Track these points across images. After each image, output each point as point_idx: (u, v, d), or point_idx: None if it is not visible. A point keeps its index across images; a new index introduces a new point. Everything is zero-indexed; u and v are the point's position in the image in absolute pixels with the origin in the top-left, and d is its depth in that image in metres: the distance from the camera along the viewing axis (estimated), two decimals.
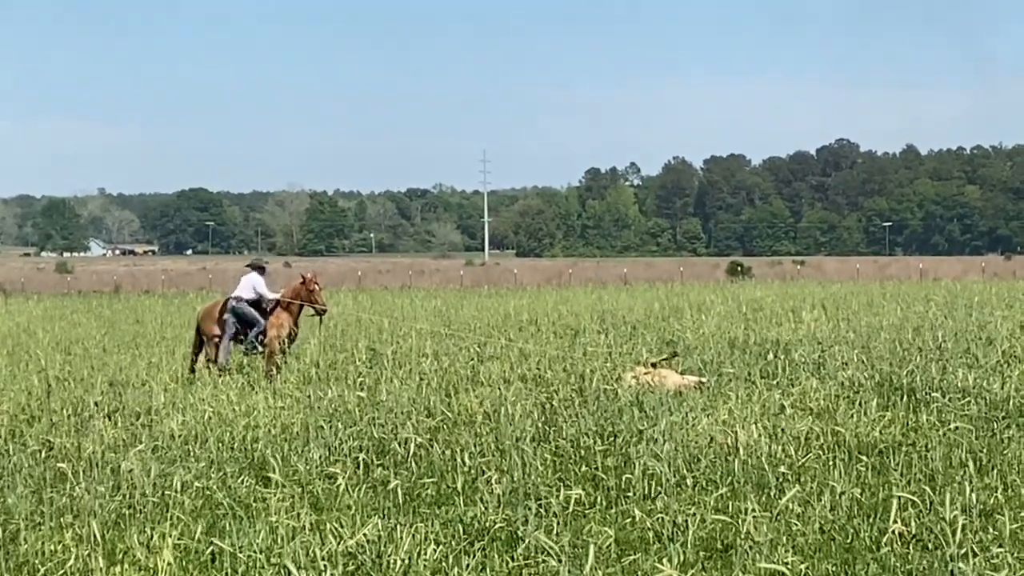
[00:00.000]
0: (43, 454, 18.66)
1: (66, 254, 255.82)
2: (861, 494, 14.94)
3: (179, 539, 13.43)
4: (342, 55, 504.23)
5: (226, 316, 29.20)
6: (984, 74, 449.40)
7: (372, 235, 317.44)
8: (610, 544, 13.06)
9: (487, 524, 13.96)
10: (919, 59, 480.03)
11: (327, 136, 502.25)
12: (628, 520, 14.15)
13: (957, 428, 18.36)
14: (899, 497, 14.03)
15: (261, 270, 30.05)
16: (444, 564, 12.58)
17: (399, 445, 18.26)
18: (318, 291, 30.14)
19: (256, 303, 29.35)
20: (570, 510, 14.40)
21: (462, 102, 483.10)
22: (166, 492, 15.69)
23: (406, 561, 12.52)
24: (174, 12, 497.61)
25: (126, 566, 12.82)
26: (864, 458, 16.79)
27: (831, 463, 16.49)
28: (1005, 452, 17.12)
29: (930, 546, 12.81)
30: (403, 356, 31.07)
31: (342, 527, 13.56)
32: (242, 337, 29.17)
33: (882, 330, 35.79)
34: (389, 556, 12.60)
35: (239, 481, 16.52)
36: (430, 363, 29.14)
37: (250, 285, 29.48)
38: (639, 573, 12.27)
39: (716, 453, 17.36)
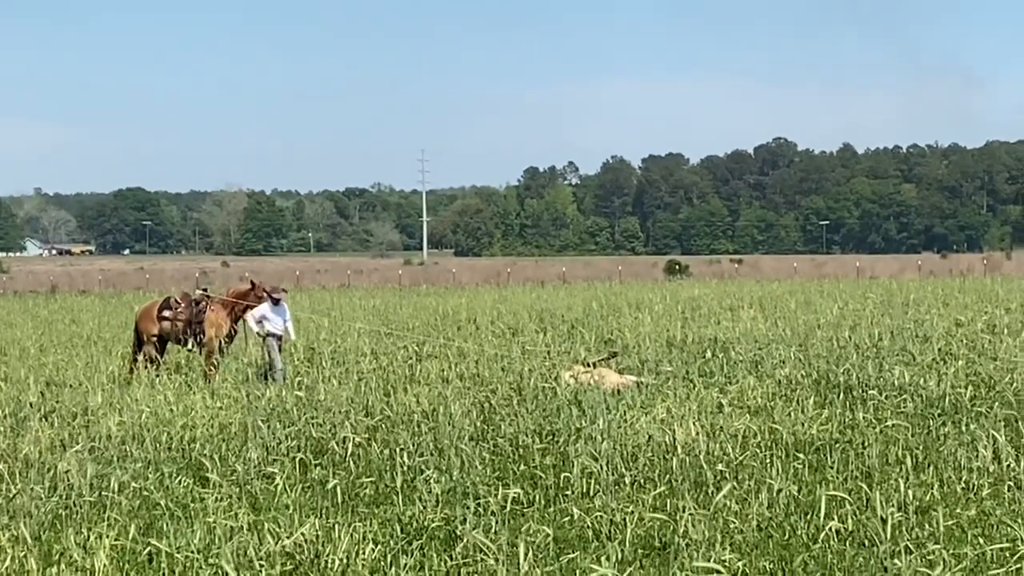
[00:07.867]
0: None
1: (1, 254, 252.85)
2: (798, 491, 15.02)
3: (116, 540, 13.34)
4: (279, 54, 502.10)
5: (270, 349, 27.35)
6: (920, 74, 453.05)
7: (310, 234, 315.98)
8: (548, 542, 13.08)
9: (425, 523, 13.96)
10: (856, 59, 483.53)
11: (265, 135, 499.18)
12: (566, 519, 14.17)
13: (893, 425, 18.52)
14: (836, 495, 14.15)
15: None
16: (382, 563, 12.56)
17: (337, 444, 18.23)
18: (267, 297, 29.91)
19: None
20: (508, 509, 14.42)
21: (400, 101, 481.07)
22: (103, 493, 15.59)
23: (344, 561, 12.51)
24: (111, 10, 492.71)
25: (62, 567, 12.72)
26: (801, 456, 16.90)
27: (768, 461, 16.58)
28: (941, 449, 17.27)
29: (866, 543, 12.90)
30: (342, 355, 31.01)
31: (280, 527, 13.52)
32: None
33: (819, 328, 36.06)
34: (327, 556, 12.58)
35: (176, 481, 16.44)
36: (369, 362, 29.10)
37: (282, 321, 27.73)
38: (577, 571, 12.26)
39: (654, 451, 17.41)
